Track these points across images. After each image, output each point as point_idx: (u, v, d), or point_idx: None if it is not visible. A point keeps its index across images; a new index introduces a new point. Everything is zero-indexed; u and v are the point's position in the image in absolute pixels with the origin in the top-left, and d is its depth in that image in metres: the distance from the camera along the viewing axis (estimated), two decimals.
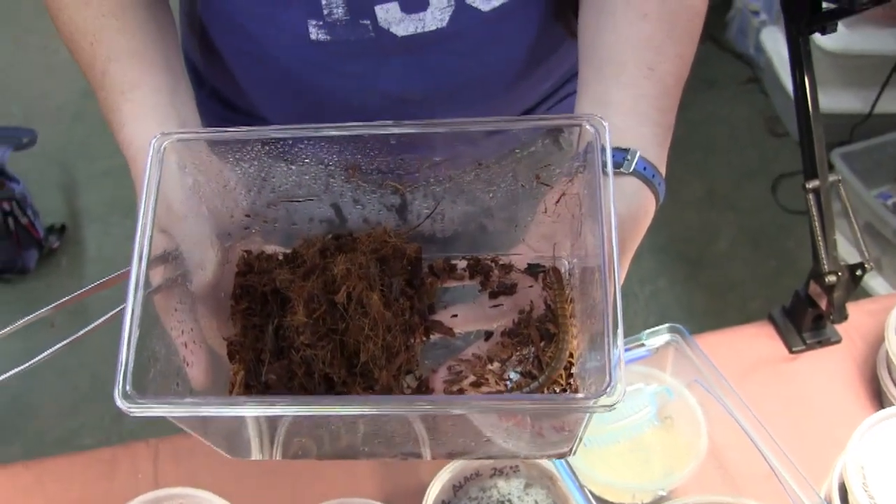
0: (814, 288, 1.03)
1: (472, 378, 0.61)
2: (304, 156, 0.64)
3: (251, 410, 0.54)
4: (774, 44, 2.67)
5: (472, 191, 0.69)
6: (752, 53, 2.87)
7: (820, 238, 1.00)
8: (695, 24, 0.74)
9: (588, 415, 0.54)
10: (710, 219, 2.49)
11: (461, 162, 0.67)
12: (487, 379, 0.61)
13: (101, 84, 0.75)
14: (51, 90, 2.95)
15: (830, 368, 1.06)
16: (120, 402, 0.51)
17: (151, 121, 0.71)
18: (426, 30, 0.82)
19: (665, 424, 0.98)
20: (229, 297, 0.67)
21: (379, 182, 0.68)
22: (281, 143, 0.62)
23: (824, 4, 1.01)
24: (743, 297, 2.30)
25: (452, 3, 0.80)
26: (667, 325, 0.97)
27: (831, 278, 0.99)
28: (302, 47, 0.82)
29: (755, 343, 1.09)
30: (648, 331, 0.97)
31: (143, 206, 0.58)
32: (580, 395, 0.54)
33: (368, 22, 0.81)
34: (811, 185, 1.00)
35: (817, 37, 1.03)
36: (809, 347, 1.07)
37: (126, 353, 0.52)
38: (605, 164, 0.57)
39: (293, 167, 0.65)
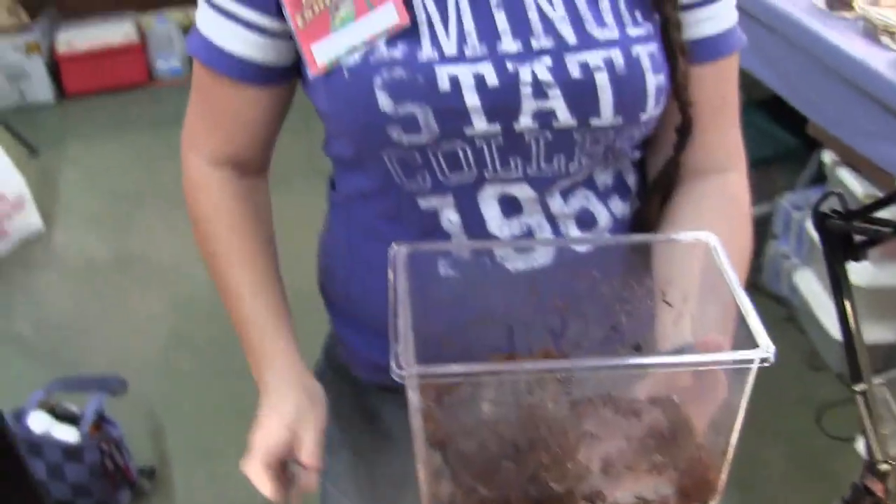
0: (869, 478, 1.18)
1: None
2: None
3: None
4: (807, 284, 2.86)
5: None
6: (787, 294, 3.06)
7: (871, 432, 1.15)
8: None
9: None
10: (758, 451, 2.60)
11: None
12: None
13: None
14: (136, 343, 3.20)
15: None
16: None
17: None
18: (535, 265, 1.03)
19: None
20: None
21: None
22: None
23: (856, 238, 1.21)
24: None
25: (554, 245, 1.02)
26: None
27: (884, 466, 1.14)
28: (432, 281, 1.00)
29: None
30: None
31: None
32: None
33: (488, 260, 1.01)
34: (859, 388, 1.16)
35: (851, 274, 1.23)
36: None
37: None
38: None
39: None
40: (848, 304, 1.23)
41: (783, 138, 3.28)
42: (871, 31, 2.38)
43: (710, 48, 1.07)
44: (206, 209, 1.14)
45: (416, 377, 0.74)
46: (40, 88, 4.98)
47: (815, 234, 2.80)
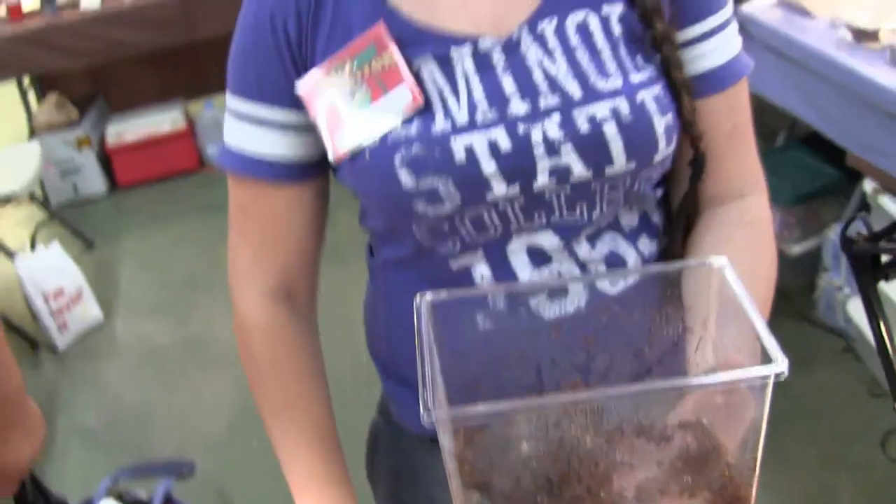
0: None
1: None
2: None
3: None
4: (861, 312, 2.84)
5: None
6: (843, 325, 3.04)
7: None
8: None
9: None
10: (825, 480, 2.58)
11: None
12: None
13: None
14: (203, 425, 3.27)
15: None
16: None
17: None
18: (567, 312, 1.04)
19: None
20: None
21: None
22: None
23: (883, 258, 1.21)
24: None
25: (586, 289, 1.03)
26: None
27: None
28: (461, 328, 1.01)
29: None
30: None
31: None
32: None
33: (524, 309, 1.03)
34: None
35: (887, 294, 1.23)
36: None
37: None
38: None
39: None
40: (883, 325, 1.23)
41: (826, 172, 3.28)
42: None
43: (716, 80, 1.08)
44: (261, 366, 1.17)
45: (445, 420, 0.76)
46: (93, 181, 5.13)
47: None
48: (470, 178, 0.99)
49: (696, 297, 0.97)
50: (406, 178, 0.99)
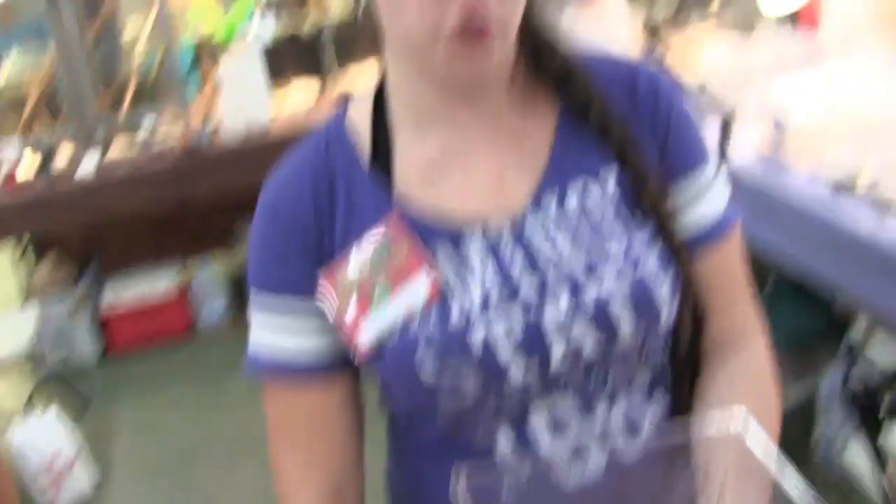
0: None
1: None
2: None
3: None
4: (860, 455, 2.84)
5: None
6: (843, 469, 3.02)
7: None
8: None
9: None
10: None
11: None
12: None
13: None
14: None
15: None
16: None
17: None
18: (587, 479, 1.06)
19: None
20: None
21: None
22: None
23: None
24: None
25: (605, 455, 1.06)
26: None
27: None
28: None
29: None
30: None
31: None
32: None
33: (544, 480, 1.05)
34: None
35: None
36: None
37: None
38: None
39: None
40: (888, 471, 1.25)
41: (815, 319, 3.31)
42: (879, 207, 2.45)
43: (709, 231, 1.13)
44: None
45: None
46: (87, 346, 5.13)
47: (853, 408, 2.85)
48: (488, 370, 1.02)
49: (711, 462, 0.99)
50: (426, 374, 1.02)
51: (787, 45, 3.54)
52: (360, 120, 1.14)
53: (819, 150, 2.75)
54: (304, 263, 1.09)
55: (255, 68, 4.86)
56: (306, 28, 5.66)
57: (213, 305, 5.22)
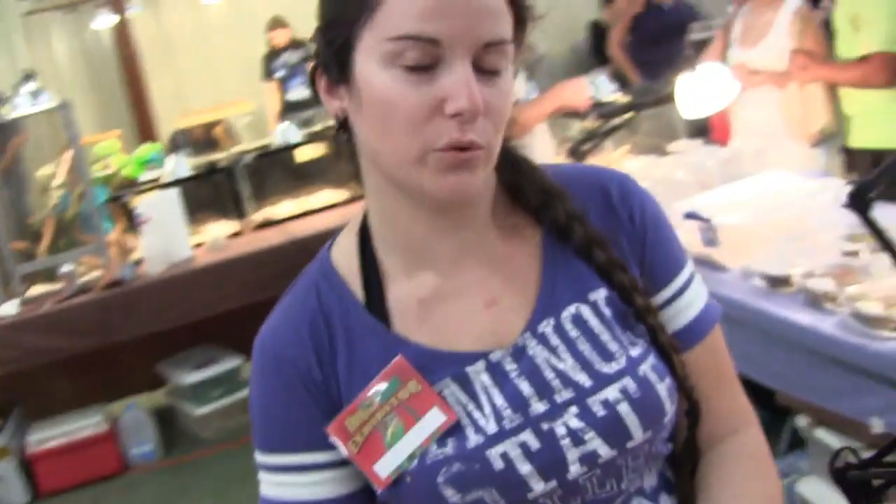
0: None
1: None
2: None
3: None
4: None
5: None
6: None
7: None
8: None
9: None
10: None
11: None
12: None
13: None
14: None
15: None
16: None
17: None
18: None
19: None
20: None
21: None
22: None
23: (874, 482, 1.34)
24: None
25: None
26: None
27: None
28: None
29: None
30: None
31: None
32: None
33: None
34: None
35: None
36: None
37: None
38: None
39: None
40: None
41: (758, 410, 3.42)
42: (813, 301, 2.58)
43: (694, 331, 1.20)
44: None
45: None
46: (13, 491, 4.94)
47: (809, 497, 2.94)
48: (511, 483, 1.06)
49: None
50: (452, 495, 1.06)
51: (704, 159, 3.74)
52: (346, 262, 1.17)
53: (750, 251, 2.89)
54: (314, 417, 1.12)
55: (174, 205, 4.89)
56: (221, 163, 5.74)
57: (142, 444, 5.11)
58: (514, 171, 1.18)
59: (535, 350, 1.12)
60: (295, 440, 1.12)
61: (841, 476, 1.31)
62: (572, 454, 1.08)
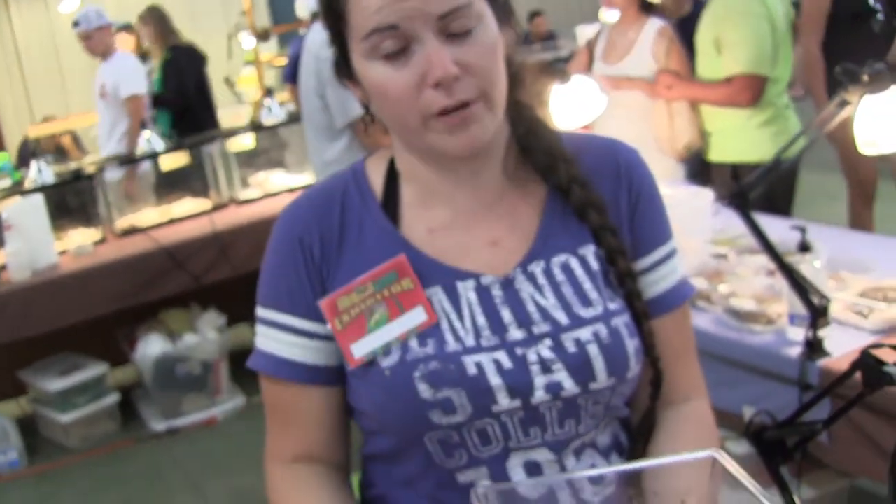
0: None
1: None
2: None
3: None
4: None
5: None
6: None
7: None
8: None
9: None
10: None
11: None
12: None
13: None
14: None
15: None
16: None
17: None
18: None
19: None
20: None
21: None
22: None
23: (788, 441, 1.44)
24: None
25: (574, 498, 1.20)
26: None
27: None
28: None
29: None
30: None
31: None
32: None
33: None
34: None
35: None
36: None
37: None
38: None
39: None
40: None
41: None
42: (737, 318, 2.58)
43: (667, 301, 1.31)
44: (283, 484, 1.29)
45: None
46: None
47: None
48: (480, 390, 1.17)
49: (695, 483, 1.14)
50: (424, 389, 1.17)
51: None
52: (375, 174, 1.32)
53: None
54: (307, 286, 1.25)
55: (40, 211, 4.79)
56: (87, 170, 5.63)
57: (6, 452, 4.95)
58: (527, 130, 1.31)
59: (523, 285, 1.24)
60: (284, 302, 1.26)
61: (757, 437, 1.43)
62: (539, 380, 1.19)
